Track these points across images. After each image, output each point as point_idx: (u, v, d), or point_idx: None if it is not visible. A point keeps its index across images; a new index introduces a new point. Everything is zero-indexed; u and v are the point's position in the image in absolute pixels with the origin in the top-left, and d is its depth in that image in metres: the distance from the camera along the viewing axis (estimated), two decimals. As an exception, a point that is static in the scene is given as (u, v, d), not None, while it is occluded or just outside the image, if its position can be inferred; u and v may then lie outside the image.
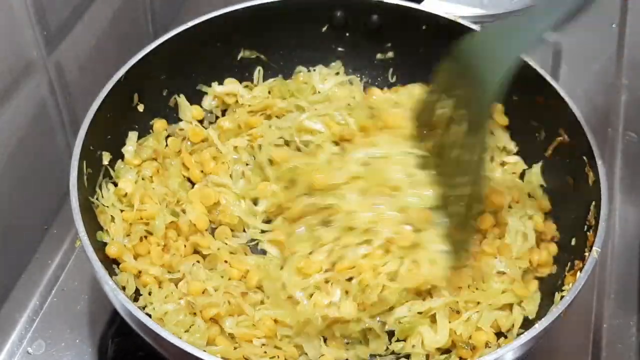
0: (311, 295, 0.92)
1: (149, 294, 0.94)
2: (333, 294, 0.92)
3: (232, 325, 0.91)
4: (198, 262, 0.98)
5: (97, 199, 0.98)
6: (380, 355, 0.94)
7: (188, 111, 1.14)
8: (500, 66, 0.81)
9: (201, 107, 1.16)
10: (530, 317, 0.95)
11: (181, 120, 1.14)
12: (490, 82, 0.81)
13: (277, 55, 1.19)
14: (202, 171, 1.08)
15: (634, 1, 1.52)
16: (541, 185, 1.08)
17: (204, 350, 0.80)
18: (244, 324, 0.91)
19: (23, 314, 1.05)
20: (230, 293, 0.93)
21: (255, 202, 1.06)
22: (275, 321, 0.92)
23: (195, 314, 0.91)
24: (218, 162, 1.09)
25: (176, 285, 0.95)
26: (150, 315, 0.85)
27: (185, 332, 0.90)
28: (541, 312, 0.95)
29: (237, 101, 1.16)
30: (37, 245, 1.12)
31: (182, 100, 1.14)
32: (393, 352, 0.94)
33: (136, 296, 0.95)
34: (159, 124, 1.10)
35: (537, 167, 1.09)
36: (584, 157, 0.99)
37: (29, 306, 1.06)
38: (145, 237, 0.98)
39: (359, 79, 1.21)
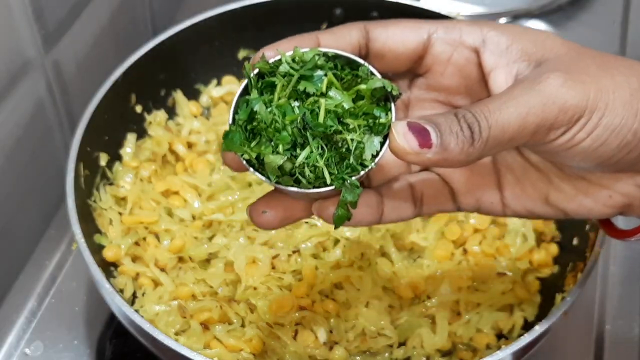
0: (295, 333, 0.91)
1: (143, 295, 0.93)
2: (317, 332, 0.91)
3: (222, 333, 0.90)
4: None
5: (94, 201, 0.97)
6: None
7: (186, 107, 1.13)
8: None
9: (199, 103, 1.16)
10: (531, 319, 0.94)
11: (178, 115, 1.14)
12: None
13: (276, 54, 1.19)
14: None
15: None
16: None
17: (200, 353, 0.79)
18: (234, 334, 0.90)
19: (21, 315, 1.04)
20: (216, 300, 0.92)
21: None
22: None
23: (186, 317, 0.91)
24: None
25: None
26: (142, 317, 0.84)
27: (181, 334, 0.90)
28: (542, 313, 0.94)
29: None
30: (34, 246, 1.11)
31: (179, 95, 1.13)
32: None
33: (134, 298, 0.94)
34: (159, 116, 1.10)
35: (536, 169, 1.08)
36: (586, 156, 0.98)
37: (26, 307, 1.05)
38: (144, 238, 0.98)
39: (358, 77, 1.20)
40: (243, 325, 0.92)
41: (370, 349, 0.91)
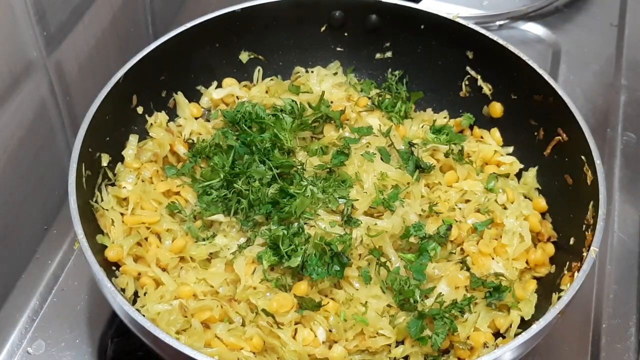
0: (295, 332, 0.92)
1: (145, 294, 0.94)
2: (316, 331, 0.92)
3: (223, 332, 0.91)
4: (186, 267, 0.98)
5: (96, 201, 0.98)
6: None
7: (186, 108, 1.14)
8: None
9: (199, 104, 1.16)
10: (528, 318, 0.95)
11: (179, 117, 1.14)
12: None
13: (276, 56, 1.20)
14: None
15: (633, 1, 1.52)
16: (537, 188, 1.09)
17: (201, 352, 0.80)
18: (235, 333, 0.91)
19: (23, 314, 1.05)
20: (217, 299, 0.93)
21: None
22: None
23: (187, 316, 0.91)
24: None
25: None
26: (144, 316, 0.85)
27: (182, 333, 0.91)
28: (539, 313, 0.95)
29: (234, 101, 1.16)
30: (37, 245, 1.12)
31: (180, 97, 1.14)
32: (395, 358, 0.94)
33: (135, 297, 0.95)
34: (160, 117, 1.11)
35: (533, 171, 1.09)
36: (582, 157, 0.99)
37: (28, 306, 1.06)
38: (146, 238, 0.98)
39: (357, 79, 1.21)
40: (243, 324, 0.93)
41: (369, 348, 0.92)
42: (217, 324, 0.91)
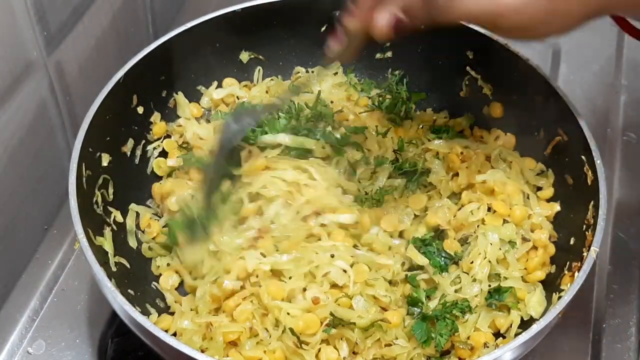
0: (318, 352, 0.91)
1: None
2: (340, 349, 0.91)
3: (251, 347, 0.90)
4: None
5: (95, 201, 0.98)
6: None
7: (187, 108, 1.14)
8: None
9: (199, 104, 1.17)
10: (528, 318, 0.95)
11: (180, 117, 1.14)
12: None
13: (276, 56, 1.20)
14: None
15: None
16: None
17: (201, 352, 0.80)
18: (257, 347, 0.90)
19: (23, 314, 1.05)
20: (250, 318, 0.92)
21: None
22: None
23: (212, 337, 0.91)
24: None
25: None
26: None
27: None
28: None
29: (234, 101, 1.16)
30: (37, 245, 1.12)
31: (180, 97, 1.14)
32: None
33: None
34: (158, 127, 1.11)
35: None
36: (583, 157, 0.99)
37: (29, 306, 1.06)
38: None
39: (357, 79, 1.21)
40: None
41: (384, 355, 0.92)
42: (245, 342, 0.90)
